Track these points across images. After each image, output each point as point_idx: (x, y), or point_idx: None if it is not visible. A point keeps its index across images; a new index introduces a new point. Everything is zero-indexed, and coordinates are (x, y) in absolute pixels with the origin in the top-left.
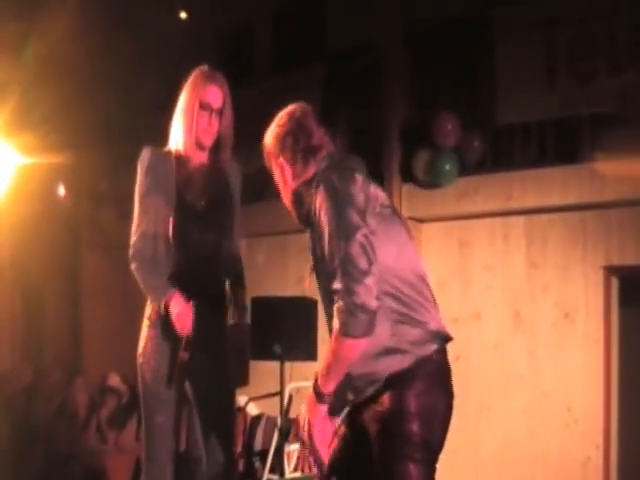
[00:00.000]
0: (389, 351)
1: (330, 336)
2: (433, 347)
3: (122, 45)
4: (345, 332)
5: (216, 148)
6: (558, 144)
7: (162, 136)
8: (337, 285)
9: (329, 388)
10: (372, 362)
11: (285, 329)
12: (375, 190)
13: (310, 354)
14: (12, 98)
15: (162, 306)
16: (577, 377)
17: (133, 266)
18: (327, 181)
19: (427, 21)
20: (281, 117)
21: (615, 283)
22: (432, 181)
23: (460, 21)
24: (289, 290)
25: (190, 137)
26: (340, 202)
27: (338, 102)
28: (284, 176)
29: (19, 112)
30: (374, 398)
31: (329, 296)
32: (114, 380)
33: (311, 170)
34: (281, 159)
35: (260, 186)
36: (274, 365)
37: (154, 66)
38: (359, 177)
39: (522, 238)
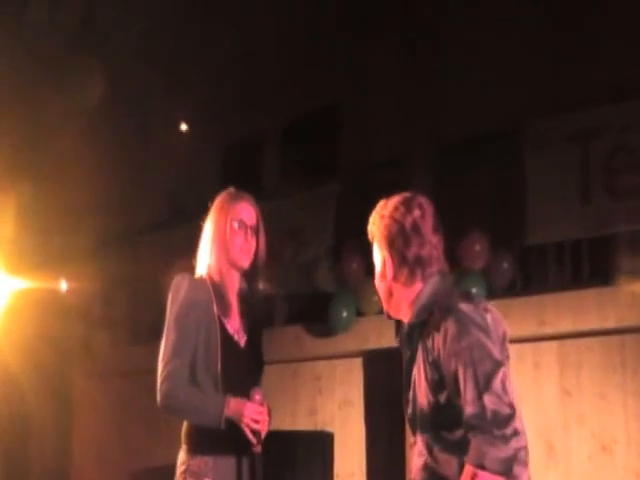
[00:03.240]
0: None
1: None
2: None
3: (122, 161)
4: (480, 463)
5: (251, 271)
6: (594, 264)
7: (163, 259)
8: (478, 416)
9: None
10: None
11: (298, 467)
12: (500, 319)
13: None
14: (7, 224)
15: (223, 419)
16: None
17: (168, 395)
18: (458, 312)
19: (453, 134)
20: (398, 206)
21: None
22: None
23: (489, 135)
24: (300, 423)
25: (225, 259)
26: (480, 335)
27: (355, 221)
28: (384, 269)
29: (14, 237)
30: None
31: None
32: None
33: (418, 284)
34: (385, 252)
35: (270, 311)
36: None
37: (154, 182)
38: (488, 306)
39: (554, 364)
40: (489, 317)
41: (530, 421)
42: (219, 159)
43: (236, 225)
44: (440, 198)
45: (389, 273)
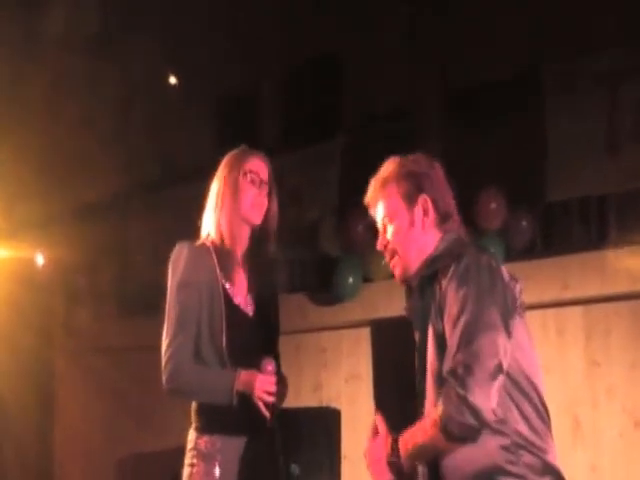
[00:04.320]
0: (501, 472)
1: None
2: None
3: (107, 117)
4: (443, 426)
5: (262, 233)
6: (622, 221)
7: (155, 224)
8: (451, 372)
9: (405, 462)
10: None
11: (302, 446)
12: (514, 285)
13: (333, 475)
14: None
15: (235, 392)
16: None
17: (174, 376)
18: (475, 262)
19: (465, 81)
20: (417, 160)
21: None
22: None
23: (505, 81)
24: (304, 399)
25: (236, 213)
26: (484, 293)
27: (361, 178)
28: (405, 219)
29: None
30: None
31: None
32: None
33: (437, 235)
34: (402, 202)
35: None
36: None
37: (143, 140)
38: (503, 268)
39: (580, 332)
40: (505, 273)
41: (554, 395)
42: (212, 115)
43: (249, 178)
44: (452, 152)
45: (410, 219)
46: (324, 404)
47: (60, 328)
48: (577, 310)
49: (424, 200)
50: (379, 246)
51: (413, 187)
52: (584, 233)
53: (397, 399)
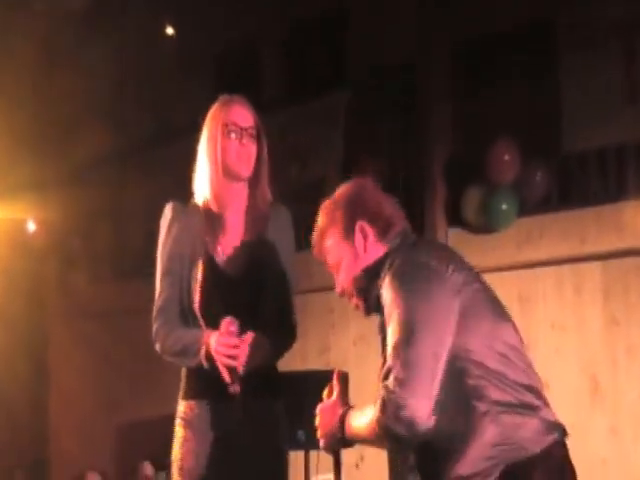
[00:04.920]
0: (497, 444)
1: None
2: (551, 438)
3: (100, 72)
4: (380, 431)
5: (254, 182)
6: None
7: (151, 186)
8: (385, 383)
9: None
10: (479, 463)
11: (310, 412)
12: (455, 272)
13: None
14: None
15: (202, 355)
16: None
17: (156, 336)
18: (401, 264)
19: (475, 31)
20: (341, 192)
21: None
22: (486, 224)
23: (516, 30)
24: (311, 362)
25: (221, 170)
26: (414, 293)
27: (366, 133)
28: (349, 255)
29: None
30: None
31: None
32: None
33: (381, 250)
34: (344, 236)
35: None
36: (295, 455)
37: (139, 94)
38: (433, 263)
39: (599, 289)
40: (435, 261)
41: (572, 355)
42: (211, 68)
43: (228, 131)
44: (462, 103)
45: (353, 252)
46: (331, 367)
47: (54, 292)
48: (595, 266)
49: (360, 226)
50: (338, 293)
51: (347, 222)
52: (601, 186)
53: None
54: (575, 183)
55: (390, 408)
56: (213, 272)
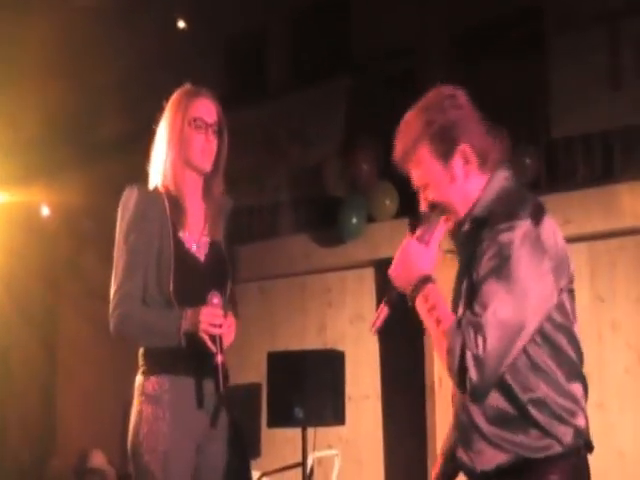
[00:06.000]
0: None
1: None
2: (578, 442)
3: (113, 58)
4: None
5: (212, 176)
6: (626, 156)
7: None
8: (469, 327)
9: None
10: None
11: (307, 389)
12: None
13: (337, 417)
14: None
15: (182, 333)
16: None
17: (122, 322)
18: (521, 237)
19: (469, 19)
20: (438, 104)
21: None
22: None
23: (506, 18)
24: (309, 342)
25: (183, 162)
26: (509, 281)
27: (369, 117)
28: (440, 183)
29: None
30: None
31: None
32: (98, 460)
33: (482, 178)
34: (437, 154)
35: (272, 220)
36: (292, 432)
37: (149, 81)
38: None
39: (584, 268)
40: (553, 243)
41: None
42: (220, 53)
43: (194, 125)
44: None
45: (449, 175)
46: (328, 346)
47: (66, 273)
48: (581, 246)
49: (462, 151)
50: (423, 208)
51: (448, 143)
52: (588, 169)
53: (404, 339)
54: (562, 167)
55: (469, 353)
56: (183, 258)
